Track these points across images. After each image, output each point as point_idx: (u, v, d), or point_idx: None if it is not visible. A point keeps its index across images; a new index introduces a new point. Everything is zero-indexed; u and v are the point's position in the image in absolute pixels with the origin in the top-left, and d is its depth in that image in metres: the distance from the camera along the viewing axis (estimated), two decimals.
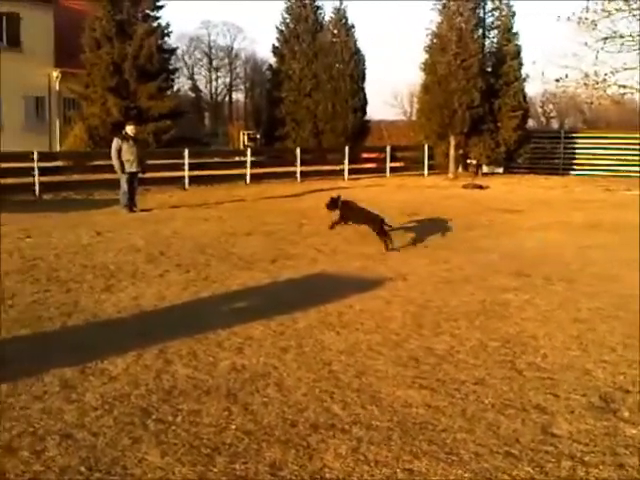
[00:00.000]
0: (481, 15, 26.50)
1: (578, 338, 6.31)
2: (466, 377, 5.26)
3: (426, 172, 26.98)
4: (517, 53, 26.70)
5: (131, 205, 15.21)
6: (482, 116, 25.74)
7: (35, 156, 17.68)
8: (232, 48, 61.71)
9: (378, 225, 11.14)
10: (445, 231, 12.79)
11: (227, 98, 63.29)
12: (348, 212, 11.49)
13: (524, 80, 26.76)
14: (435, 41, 26.03)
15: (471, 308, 7.35)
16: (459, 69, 25.10)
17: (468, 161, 27.53)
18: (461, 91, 25.05)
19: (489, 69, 26.80)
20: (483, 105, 25.59)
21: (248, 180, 21.85)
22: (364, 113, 31.42)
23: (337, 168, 24.72)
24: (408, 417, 4.53)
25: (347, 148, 24.97)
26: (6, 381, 5.00)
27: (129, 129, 15.31)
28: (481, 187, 22.35)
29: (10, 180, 17.51)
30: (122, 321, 6.80)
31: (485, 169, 27.62)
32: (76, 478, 3.69)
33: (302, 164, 23.47)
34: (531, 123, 37.55)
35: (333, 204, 11.58)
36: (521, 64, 26.75)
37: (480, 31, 26.37)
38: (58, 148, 30.37)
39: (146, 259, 9.84)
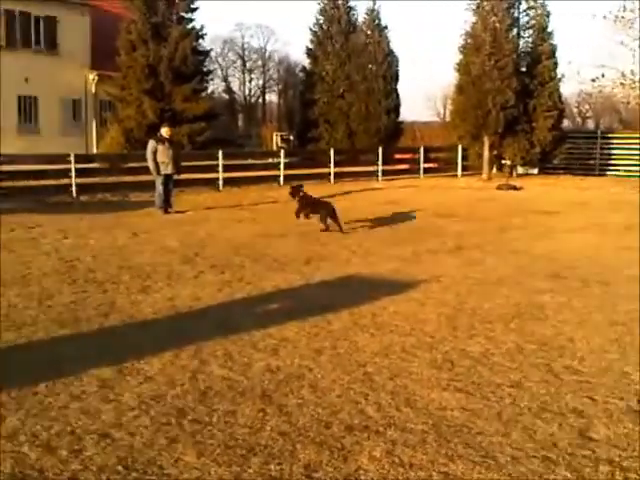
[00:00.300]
0: (515, 15, 26.30)
1: (616, 341, 6.22)
2: (502, 380, 5.22)
3: (460, 173, 26.85)
4: (552, 53, 26.44)
5: (166, 207, 15.34)
6: (517, 116, 25.53)
7: (72, 158, 17.92)
8: (265, 50, 62.19)
9: (330, 210, 12.70)
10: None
11: (260, 100, 63.65)
12: (303, 200, 13.07)
13: (559, 80, 26.50)
14: (469, 41, 25.88)
15: (506, 310, 7.29)
16: (493, 69, 24.92)
17: (502, 162, 27.31)
18: (495, 91, 24.86)
19: (524, 69, 26.58)
20: (517, 105, 25.38)
21: (282, 181, 21.90)
22: (397, 114, 31.36)
23: (371, 169, 24.69)
24: (443, 420, 4.50)
25: (380, 149, 24.93)
26: (45, 381, 5.07)
27: (164, 131, 15.45)
28: (515, 188, 22.13)
29: (48, 182, 17.77)
30: (158, 322, 6.86)
31: (520, 170, 27.39)
32: (113, 477, 3.73)
33: (335, 165, 23.47)
34: (566, 123, 37.14)
35: (295, 192, 13.24)
36: (556, 64, 26.48)
37: (515, 31, 26.17)
38: (95, 150, 30.72)
39: (181, 260, 9.92)
